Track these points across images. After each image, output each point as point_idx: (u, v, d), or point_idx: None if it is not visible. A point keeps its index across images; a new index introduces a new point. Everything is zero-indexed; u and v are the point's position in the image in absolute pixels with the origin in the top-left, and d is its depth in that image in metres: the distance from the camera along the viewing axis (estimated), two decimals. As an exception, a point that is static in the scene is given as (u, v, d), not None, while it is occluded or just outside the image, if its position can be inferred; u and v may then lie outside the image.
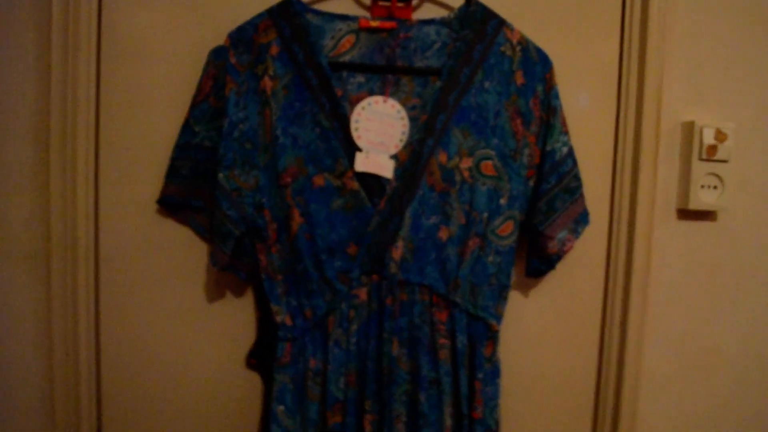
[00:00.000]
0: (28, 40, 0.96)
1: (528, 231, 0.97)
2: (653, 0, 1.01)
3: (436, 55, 0.94)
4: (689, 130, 1.06)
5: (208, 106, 0.92)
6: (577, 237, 0.97)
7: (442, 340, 0.91)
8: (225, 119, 0.89)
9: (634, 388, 1.06)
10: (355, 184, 0.89)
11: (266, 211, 0.90)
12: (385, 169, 0.90)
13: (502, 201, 0.92)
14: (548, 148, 0.93)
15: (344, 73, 0.92)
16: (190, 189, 0.94)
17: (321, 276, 0.90)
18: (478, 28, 0.92)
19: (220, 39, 0.91)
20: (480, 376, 0.91)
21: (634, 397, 1.06)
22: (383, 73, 0.93)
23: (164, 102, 0.97)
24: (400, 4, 0.95)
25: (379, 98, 0.91)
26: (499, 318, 0.94)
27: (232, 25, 0.91)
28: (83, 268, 0.96)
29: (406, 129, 0.91)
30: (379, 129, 0.90)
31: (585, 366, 1.09)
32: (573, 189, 0.96)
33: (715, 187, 1.06)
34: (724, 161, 1.05)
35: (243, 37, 0.90)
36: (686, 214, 1.08)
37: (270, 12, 0.90)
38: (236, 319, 1.01)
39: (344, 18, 0.93)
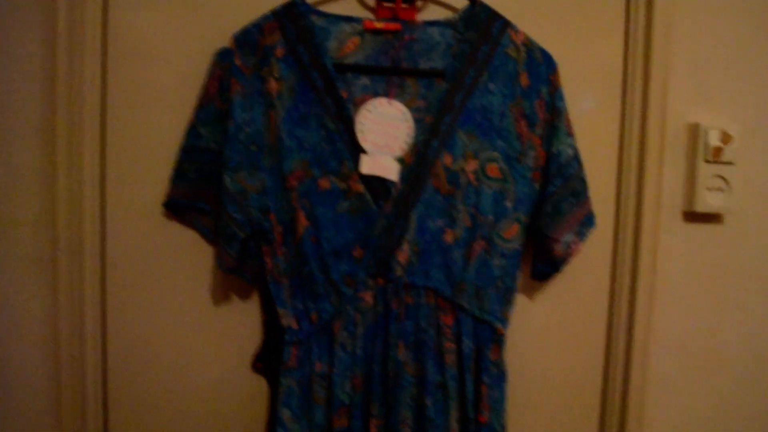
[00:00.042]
0: (33, 42, 0.96)
1: (534, 234, 0.96)
2: (657, 1, 1.00)
3: (440, 57, 0.93)
4: (694, 131, 1.05)
5: (213, 108, 0.92)
6: (582, 240, 0.97)
7: (448, 344, 0.90)
8: (230, 121, 0.88)
9: (640, 391, 1.06)
10: (360, 187, 0.89)
11: (272, 213, 0.90)
12: (391, 171, 0.89)
13: (508, 204, 0.92)
14: (553, 150, 0.93)
15: (349, 75, 0.92)
16: (195, 191, 0.94)
17: (327, 279, 0.89)
18: (483, 29, 0.92)
19: (225, 41, 0.91)
20: (486, 379, 0.91)
21: (640, 400, 1.06)
22: (388, 75, 0.93)
23: (170, 104, 0.97)
24: (404, 6, 0.94)
25: (383, 100, 0.91)
26: (505, 321, 0.93)
27: (237, 27, 0.91)
28: (89, 270, 0.96)
29: (411, 131, 0.91)
30: (384, 131, 0.90)
31: (591, 369, 1.08)
32: (579, 191, 0.95)
33: (720, 190, 1.06)
34: (730, 163, 1.05)
35: (248, 39, 0.90)
36: (692, 216, 1.08)
37: (275, 14, 0.90)
38: (242, 323, 1.00)
39: (349, 19, 0.93)
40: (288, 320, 0.91)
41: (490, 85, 0.91)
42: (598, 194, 1.02)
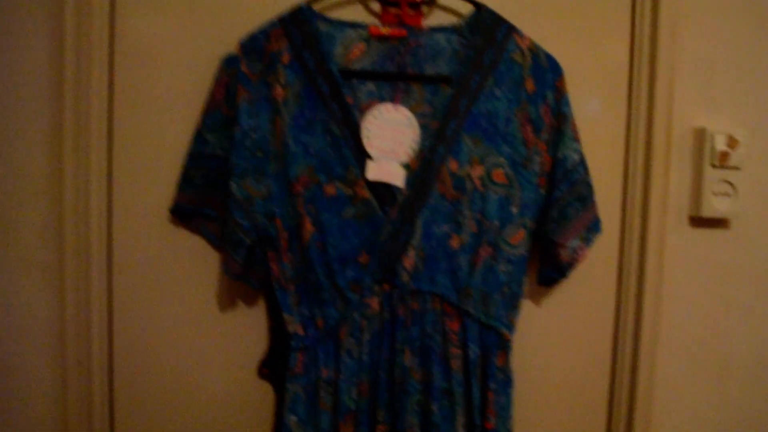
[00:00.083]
0: (41, 48, 0.96)
1: (540, 239, 0.96)
2: (663, 4, 1.00)
3: (446, 63, 0.93)
4: (701, 136, 1.05)
5: (220, 114, 0.92)
6: (589, 245, 0.97)
7: (454, 350, 0.90)
8: (237, 128, 0.89)
9: (647, 396, 1.05)
10: (366, 193, 0.89)
11: (278, 219, 0.90)
12: (396, 177, 0.89)
13: (514, 209, 0.92)
14: (559, 155, 0.93)
15: (355, 81, 0.92)
16: (202, 198, 0.94)
17: (333, 285, 0.89)
18: (488, 34, 0.92)
19: (231, 47, 0.91)
20: (492, 385, 0.91)
21: (648, 405, 1.05)
22: (394, 81, 0.93)
23: (176, 110, 0.97)
24: (410, 12, 0.95)
25: (389, 106, 0.91)
26: (511, 327, 0.93)
27: (243, 34, 0.91)
28: (96, 276, 0.96)
29: (417, 136, 0.91)
30: (390, 137, 0.90)
31: (598, 375, 1.08)
32: (585, 196, 0.95)
33: (727, 194, 1.05)
34: (737, 168, 1.04)
35: (254, 45, 0.90)
36: (698, 221, 1.08)
37: (281, 20, 0.90)
38: (248, 329, 1.00)
39: (355, 25, 0.93)
40: (294, 326, 0.91)
41: (495, 90, 0.91)
42: (605, 199, 1.02)
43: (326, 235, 0.89)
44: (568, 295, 1.06)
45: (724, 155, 1.04)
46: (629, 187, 1.05)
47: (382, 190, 0.89)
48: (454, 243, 0.90)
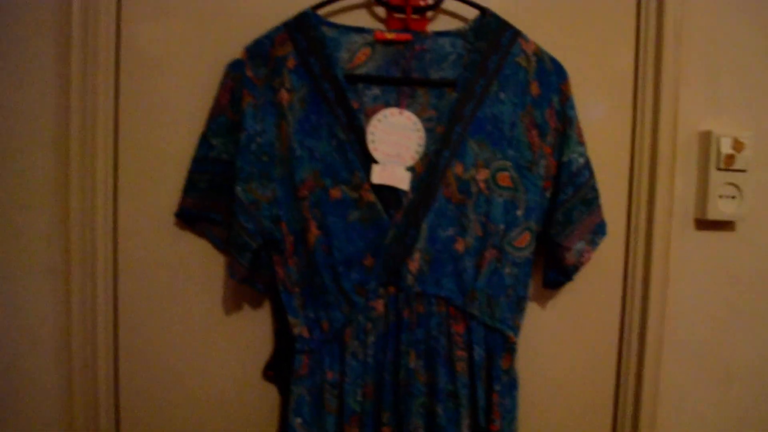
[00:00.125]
0: (48, 54, 0.97)
1: (545, 242, 0.96)
2: (668, 8, 1.00)
3: (451, 67, 0.94)
4: (706, 139, 1.05)
5: (225, 119, 0.92)
6: (594, 248, 0.97)
7: (460, 352, 0.90)
8: (242, 132, 0.89)
9: (653, 400, 1.05)
10: (371, 197, 0.89)
11: (283, 223, 0.90)
12: (402, 180, 0.90)
13: (519, 212, 0.92)
14: (564, 159, 0.93)
15: (360, 86, 0.92)
16: (207, 202, 0.95)
17: (338, 288, 0.90)
18: (493, 39, 0.92)
19: (236, 52, 0.92)
20: (497, 388, 0.91)
21: (653, 409, 1.05)
22: (399, 85, 0.93)
23: (182, 115, 0.98)
24: (415, 17, 0.95)
25: (395, 110, 0.91)
26: (516, 330, 0.93)
27: (249, 39, 0.91)
28: (102, 280, 0.97)
29: (422, 141, 0.91)
30: (395, 141, 0.90)
31: (603, 378, 1.08)
32: (590, 200, 0.95)
33: (733, 197, 1.05)
34: (743, 171, 1.04)
35: (259, 50, 0.90)
36: (704, 224, 1.07)
37: (286, 25, 0.91)
38: (253, 331, 1.01)
39: (360, 30, 0.93)
40: (299, 329, 0.91)
41: (500, 94, 0.91)
42: (610, 202, 1.02)
43: (331, 238, 0.89)
44: (573, 298, 1.06)
45: (730, 158, 1.03)
46: (635, 190, 1.05)
47: (388, 193, 0.90)
48: (460, 246, 0.90)
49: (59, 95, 0.97)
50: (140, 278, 1.00)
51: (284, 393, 0.98)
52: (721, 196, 1.05)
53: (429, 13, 0.97)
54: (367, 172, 0.89)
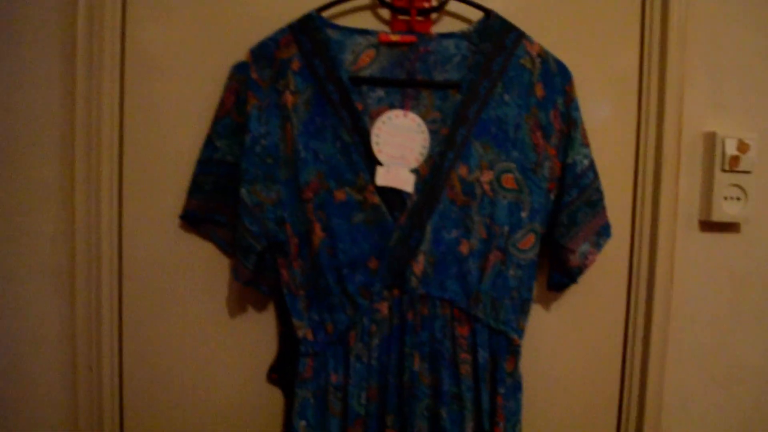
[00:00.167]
0: (53, 57, 0.97)
1: (549, 244, 0.96)
2: (673, 10, 1.00)
3: (455, 69, 0.93)
4: (711, 140, 1.05)
5: (230, 121, 0.92)
6: (599, 250, 0.96)
7: (464, 355, 0.90)
8: (247, 134, 0.89)
9: (657, 402, 1.05)
10: (375, 199, 0.89)
11: (287, 225, 0.90)
12: (406, 182, 0.90)
13: (523, 214, 0.92)
14: (569, 160, 0.93)
15: (364, 88, 0.92)
16: (212, 204, 0.95)
17: (342, 290, 0.90)
18: (498, 40, 0.92)
19: (241, 55, 0.92)
20: (501, 391, 0.91)
21: (657, 411, 1.05)
22: (403, 87, 0.93)
23: (187, 118, 0.98)
24: (419, 18, 0.95)
25: (399, 112, 0.91)
26: (520, 332, 0.93)
27: (253, 41, 0.91)
28: (107, 283, 0.97)
29: (427, 142, 0.91)
30: (400, 143, 0.90)
31: (608, 380, 1.08)
32: (594, 202, 0.95)
33: (738, 199, 1.05)
34: (747, 172, 1.04)
35: (264, 52, 0.90)
36: (709, 225, 1.07)
37: (291, 27, 0.91)
38: (258, 334, 1.01)
39: (364, 32, 0.93)
40: (303, 331, 0.91)
41: (505, 96, 0.91)
42: (615, 203, 1.02)
43: (336, 240, 0.89)
44: (577, 300, 1.05)
45: (735, 159, 1.03)
46: (639, 191, 1.04)
47: (392, 195, 0.90)
48: (464, 248, 0.90)
49: (64, 98, 0.97)
50: (145, 280, 1.00)
51: (288, 396, 0.98)
52: (725, 198, 1.05)
53: (433, 15, 0.97)
54: (372, 174, 0.89)
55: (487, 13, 0.94)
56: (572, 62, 0.95)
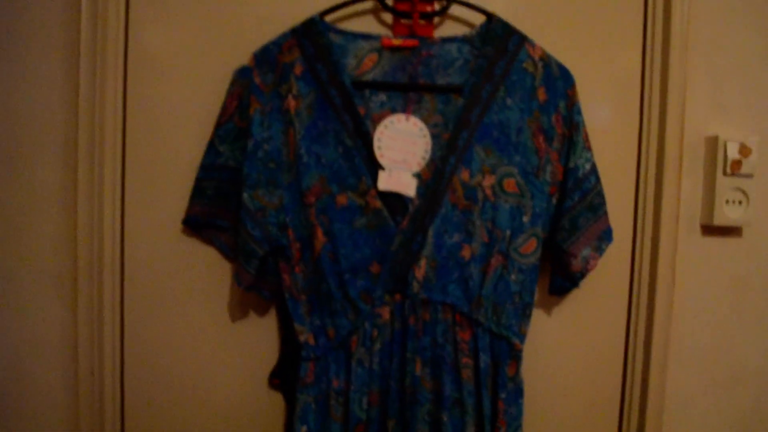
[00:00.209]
0: (56, 61, 0.97)
1: (551, 249, 0.96)
2: (675, 13, 1.00)
3: (458, 73, 0.93)
4: (713, 144, 1.05)
5: (232, 126, 0.92)
6: (600, 255, 0.96)
7: (465, 360, 0.90)
8: (249, 139, 0.89)
9: (659, 406, 1.05)
10: (377, 203, 0.89)
11: (290, 230, 0.90)
12: (408, 187, 0.89)
13: (525, 219, 0.92)
14: (571, 164, 0.93)
15: (367, 92, 0.92)
16: (214, 209, 0.95)
17: (344, 295, 0.90)
18: (500, 44, 0.92)
19: (244, 59, 0.92)
20: (503, 395, 0.90)
21: (659, 415, 1.05)
22: (405, 91, 0.93)
23: (190, 122, 0.98)
24: (422, 22, 0.95)
25: (401, 116, 0.91)
26: (522, 337, 0.93)
27: (256, 46, 0.91)
28: (109, 287, 0.97)
29: (429, 147, 0.91)
30: (402, 147, 0.90)
31: (609, 384, 1.08)
32: (596, 206, 0.95)
33: (740, 203, 1.05)
34: (749, 176, 1.04)
35: (267, 57, 0.90)
36: (711, 229, 1.07)
37: (294, 32, 0.91)
38: (259, 339, 1.01)
39: (367, 37, 0.93)
40: (305, 336, 0.91)
41: (507, 100, 0.91)
42: (617, 207, 1.02)
43: (338, 245, 0.89)
44: (579, 304, 1.05)
45: (737, 163, 1.03)
46: (641, 195, 1.04)
47: (394, 200, 0.89)
48: (466, 253, 0.90)
49: (67, 101, 0.97)
50: (146, 285, 1.00)
51: (290, 401, 0.98)
52: (727, 202, 1.05)
53: (436, 19, 0.97)
54: (374, 178, 0.89)
55: (490, 16, 0.94)
56: (574, 65, 0.95)
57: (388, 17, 0.98)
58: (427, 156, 0.91)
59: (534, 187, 0.92)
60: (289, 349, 0.97)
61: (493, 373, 0.91)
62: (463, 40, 0.94)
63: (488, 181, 0.90)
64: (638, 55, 1.04)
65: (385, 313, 0.90)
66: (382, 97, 0.93)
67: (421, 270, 0.89)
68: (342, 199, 0.89)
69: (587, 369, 1.07)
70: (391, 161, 0.89)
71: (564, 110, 0.93)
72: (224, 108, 0.93)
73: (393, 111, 0.92)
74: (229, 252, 0.98)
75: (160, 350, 1.01)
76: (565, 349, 1.06)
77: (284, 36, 0.91)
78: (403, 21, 0.95)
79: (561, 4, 1.02)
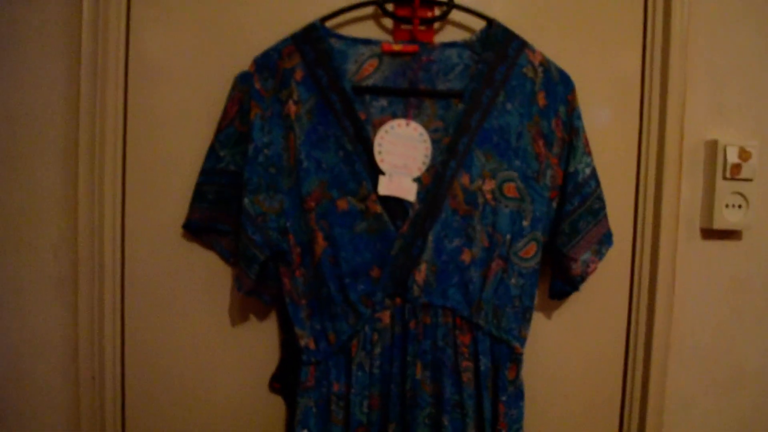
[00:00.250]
0: (56, 65, 0.97)
1: (551, 253, 0.96)
2: (675, 16, 1.00)
3: (458, 78, 0.94)
4: (713, 148, 1.05)
5: (233, 130, 0.93)
6: (600, 258, 0.96)
7: (466, 363, 0.90)
8: (250, 144, 0.89)
9: (659, 409, 1.05)
10: (378, 208, 0.89)
11: (290, 235, 0.90)
12: (408, 192, 0.90)
13: (525, 223, 0.92)
14: (571, 169, 0.93)
15: (367, 97, 0.92)
16: (215, 213, 0.95)
17: (344, 299, 0.90)
18: (500, 49, 0.92)
19: (245, 64, 0.92)
20: (503, 398, 0.91)
21: (659, 417, 1.05)
22: (406, 97, 0.93)
23: (190, 127, 0.98)
24: (422, 28, 0.95)
25: (402, 121, 0.91)
26: (522, 340, 0.93)
27: (257, 51, 0.92)
28: (109, 292, 0.97)
29: (429, 152, 0.91)
30: (402, 152, 0.90)
31: (609, 387, 1.08)
32: (596, 210, 0.95)
33: (739, 206, 1.05)
34: (749, 180, 1.04)
35: (267, 62, 0.91)
36: (710, 233, 1.07)
37: (294, 37, 0.91)
38: (260, 343, 1.01)
39: (367, 42, 0.93)
40: (306, 340, 0.91)
41: (507, 105, 0.91)
42: (616, 211, 1.02)
43: (338, 249, 0.89)
44: (579, 308, 1.06)
45: (736, 167, 1.03)
46: (641, 199, 1.04)
47: (394, 204, 0.90)
48: (466, 257, 0.90)
49: (68, 105, 0.97)
50: (147, 289, 1.00)
51: (291, 405, 0.98)
52: (727, 206, 1.05)
53: (436, 24, 0.97)
54: (374, 183, 0.89)
55: (490, 22, 0.94)
56: (574, 68, 0.95)
57: (388, 22, 0.98)
58: (428, 161, 0.91)
59: (534, 191, 0.92)
60: (290, 354, 0.97)
61: (494, 376, 0.92)
62: (463, 45, 0.94)
63: (488, 186, 0.91)
64: (638, 57, 1.04)
65: (386, 317, 0.90)
66: (383, 102, 0.93)
67: (421, 274, 0.89)
68: (342, 204, 0.90)
69: (588, 371, 1.07)
70: (391, 166, 0.90)
71: (564, 115, 0.93)
72: (225, 113, 0.94)
73: (393, 116, 0.92)
74: (229, 257, 0.98)
75: (161, 354, 1.01)
76: (565, 351, 1.06)
77: (285, 41, 0.91)
78: (403, 26, 0.95)
79: (561, 6, 1.02)
